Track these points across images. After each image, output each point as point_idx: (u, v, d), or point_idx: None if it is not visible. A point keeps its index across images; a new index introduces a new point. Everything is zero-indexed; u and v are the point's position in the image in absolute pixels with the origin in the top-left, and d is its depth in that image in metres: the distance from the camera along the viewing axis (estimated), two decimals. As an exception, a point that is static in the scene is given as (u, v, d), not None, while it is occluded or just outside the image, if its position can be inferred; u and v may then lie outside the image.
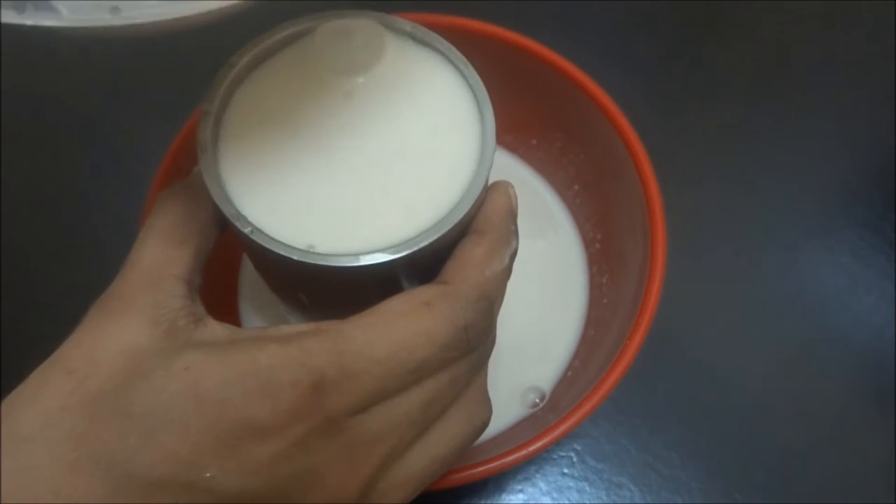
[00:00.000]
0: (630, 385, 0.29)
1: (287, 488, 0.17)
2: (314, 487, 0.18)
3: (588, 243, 0.38)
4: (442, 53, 0.23)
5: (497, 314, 0.21)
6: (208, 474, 0.16)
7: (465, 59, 0.23)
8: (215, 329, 0.19)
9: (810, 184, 0.43)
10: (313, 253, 0.20)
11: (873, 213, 0.43)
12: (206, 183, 0.20)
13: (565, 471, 0.37)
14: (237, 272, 0.37)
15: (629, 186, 0.33)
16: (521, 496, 0.36)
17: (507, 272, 0.22)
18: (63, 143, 0.44)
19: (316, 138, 0.21)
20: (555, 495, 0.36)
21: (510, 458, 0.28)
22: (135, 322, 0.18)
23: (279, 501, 0.17)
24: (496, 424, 0.33)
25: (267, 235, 0.20)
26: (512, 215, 0.22)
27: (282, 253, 0.20)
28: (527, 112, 0.38)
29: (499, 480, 0.36)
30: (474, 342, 0.20)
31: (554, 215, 0.39)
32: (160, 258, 0.20)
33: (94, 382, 0.17)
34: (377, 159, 0.21)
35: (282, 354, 0.17)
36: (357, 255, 0.20)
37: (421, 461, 0.19)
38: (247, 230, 0.20)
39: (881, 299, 0.40)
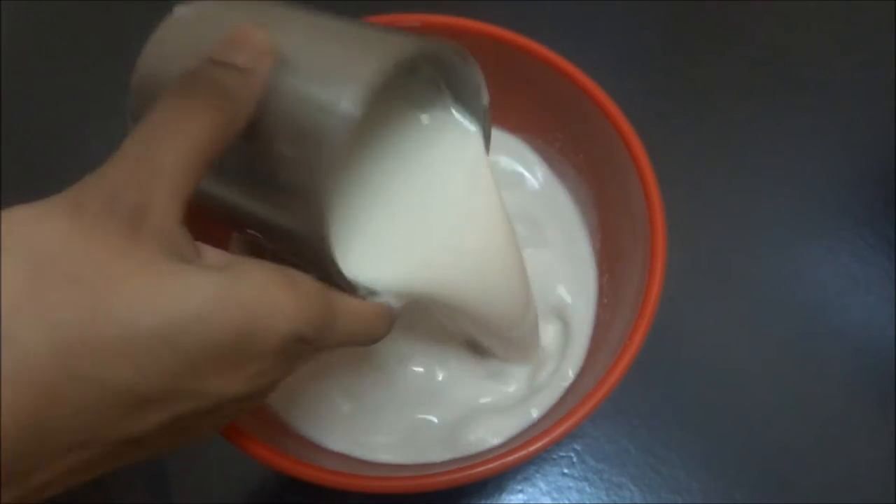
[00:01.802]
0: (630, 385, 0.29)
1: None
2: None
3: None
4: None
5: None
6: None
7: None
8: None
9: (810, 184, 0.43)
10: None
11: (873, 213, 0.43)
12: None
13: (565, 471, 0.37)
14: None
15: (629, 186, 0.33)
16: (521, 496, 0.36)
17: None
18: (63, 142, 0.44)
19: None
20: (555, 495, 0.36)
21: (510, 458, 0.28)
22: (145, 249, 0.18)
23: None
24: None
25: None
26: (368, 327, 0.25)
27: None
28: (526, 112, 0.38)
29: (499, 480, 0.36)
30: None
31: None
32: (182, 177, 0.19)
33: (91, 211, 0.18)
34: None
35: (297, 305, 0.20)
36: None
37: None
38: None
39: (881, 299, 0.40)
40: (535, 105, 0.37)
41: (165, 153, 0.18)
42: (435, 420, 0.33)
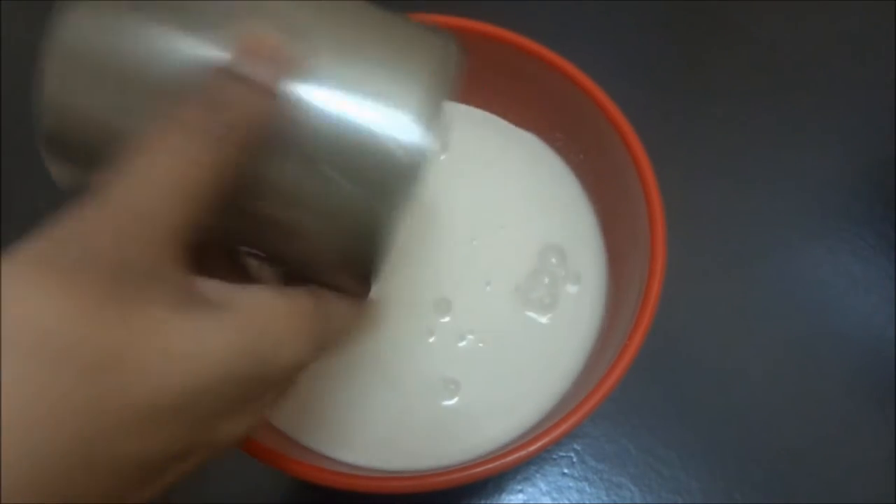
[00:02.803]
0: (630, 385, 0.29)
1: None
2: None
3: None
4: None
5: None
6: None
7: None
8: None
9: (810, 184, 0.43)
10: None
11: (873, 213, 0.43)
12: None
13: (565, 471, 0.37)
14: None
15: (629, 186, 0.33)
16: (521, 496, 0.36)
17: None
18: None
19: None
20: (555, 495, 0.36)
21: (510, 458, 0.28)
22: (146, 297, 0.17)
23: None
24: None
25: None
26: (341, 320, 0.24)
27: None
28: (527, 111, 0.38)
29: (499, 480, 0.36)
30: None
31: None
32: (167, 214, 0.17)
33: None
34: None
35: (301, 320, 0.20)
36: None
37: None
38: None
39: (881, 299, 0.40)
40: (535, 105, 0.37)
41: (149, 198, 0.16)
42: (436, 419, 0.33)
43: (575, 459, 0.37)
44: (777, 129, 0.45)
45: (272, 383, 0.19)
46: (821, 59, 0.47)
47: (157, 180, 0.16)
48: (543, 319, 0.35)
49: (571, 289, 0.35)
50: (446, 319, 0.34)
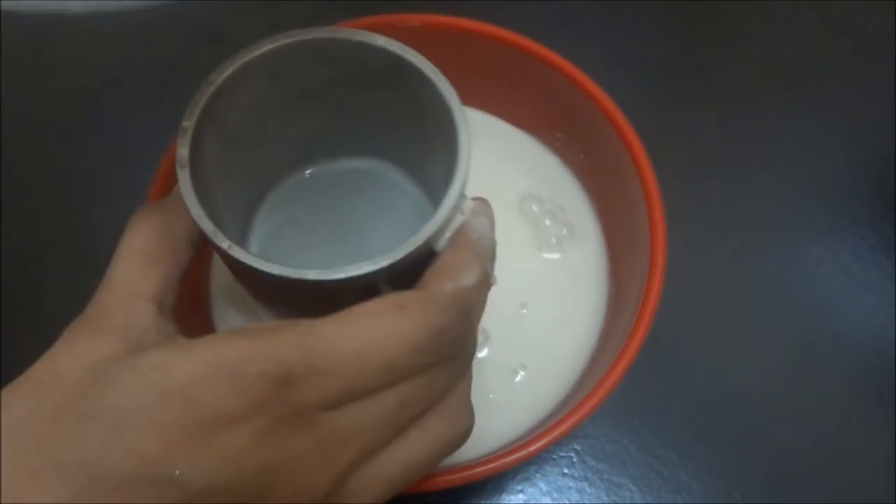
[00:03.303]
0: (630, 385, 0.29)
1: (256, 482, 0.17)
2: (283, 482, 0.17)
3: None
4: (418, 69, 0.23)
5: (476, 324, 0.22)
6: (177, 471, 0.16)
7: (438, 71, 0.23)
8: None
9: (810, 184, 0.43)
10: (288, 268, 0.20)
11: (873, 213, 0.43)
12: (185, 199, 0.21)
13: (565, 471, 0.37)
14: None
15: (629, 186, 0.33)
16: (521, 496, 0.36)
17: (485, 285, 0.22)
18: (63, 143, 0.44)
19: None
20: (555, 495, 0.36)
21: (510, 459, 0.28)
22: (104, 340, 0.19)
23: (248, 495, 0.17)
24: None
25: (244, 251, 0.20)
26: (488, 232, 0.23)
27: (259, 267, 0.20)
28: (526, 112, 0.38)
29: (499, 480, 0.36)
30: (449, 348, 0.20)
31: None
32: (132, 279, 0.20)
33: (58, 391, 0.17)
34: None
35: (249, 348, 0.17)
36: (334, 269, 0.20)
37: (394, 464, 0.19)
38: (224, 245, 0.20)
39: (881, 299, 0.40)
40: (535, 105, 0.37)
41: (113, 267, 0.21)
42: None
43: (575, 459, 0.37)
44: (777, 128, 0.45)
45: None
46: (821, 59, 0.47)
47: (130, 263, 0.21)
48: (544, 324, 0.35)
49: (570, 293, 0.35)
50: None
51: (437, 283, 0.21)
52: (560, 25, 0.47)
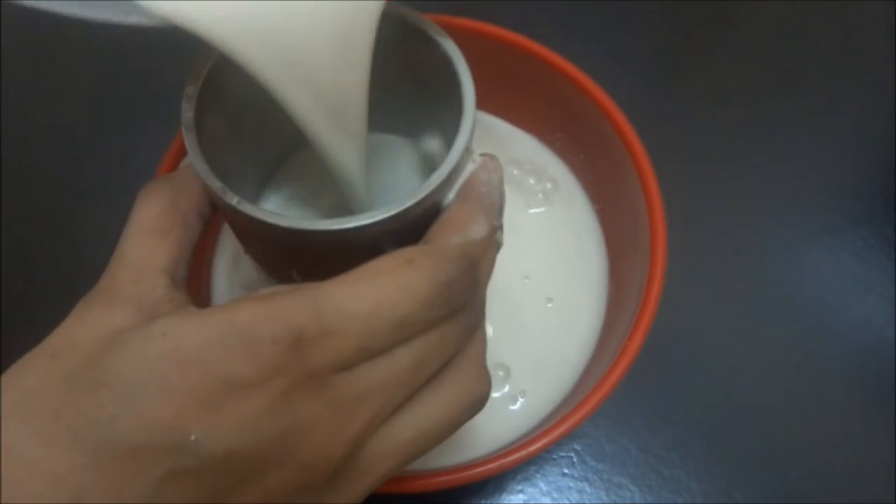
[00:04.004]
0: (630, 385, 0.29)
1: (272, 446, 0.17)
2: (300, 445, 0.17)
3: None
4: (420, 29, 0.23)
5: (484, 280, 0.21)
6: (193, 437, 0.16)
7: (441, 30, 0.23)
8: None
9: (810, 184, 0.43)
10: (299, 219, 0.20)
11: (873, 213, 0.43)
12: (192, 159, 0.21)
13: (565, 471, 0.37)
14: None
15: (629, 186, 0.33)
16: (521, 496, 0.36)
17: (492, 240, 0.22)
18: (64, 141, 0.44)
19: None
20: (555, 495, 0.36)
21: (510, 459, 0.28)
22: (118, 311, 0.19)
23: (265, 461, 0.17)
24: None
25: (254, 206, 0.20)
26: (496, 186, 0.22)
27: (269, 221, 0.20)
28: (526, 112, 0.38)
29: (499, 480, 0.36)
30: (458, 300, 0.19)
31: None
32: (143, 251, 0.20)
33: (72, 360, 0.17)
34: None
35: (260, 312, 0.17)
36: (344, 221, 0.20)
37: (410, 429, 0.19)
38: (233, 202, 0.20)
39: (881, 299, 0.40)
40: (536, 105, 0.37)
41: (123, 240, 0.21)
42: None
43: (575, 459, 0.37)
44: (777, 129, 0.45)
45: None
46: (821, 59, 0.47)
47: (141, 236, 0.21)
48: (545, 324, 0.35)
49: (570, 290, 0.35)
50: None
51: (442, 236, 0.21)
52: (560, 25, 0.47)
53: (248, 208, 0.20)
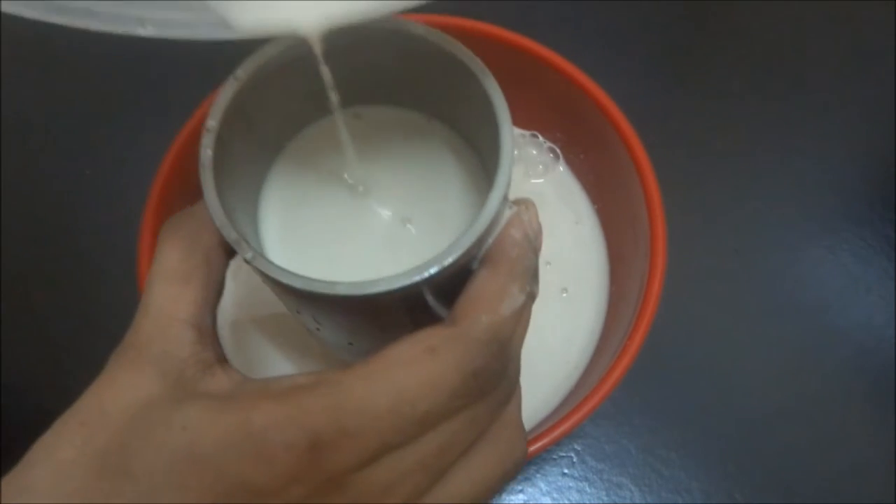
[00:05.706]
0: (630, 385, 0.29)
1: None
2: None
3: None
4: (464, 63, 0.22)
5: (518, 349, 0.20)
6: None
7: (485, 69, 0.22)
8: (220, 380, 0.19)
9: (810, 184, 0.43)
10: (316, 281, 0.19)
11: (873, 213, 0.43)
12: (207, 204, 0.19)
13: (565, 471, 0.37)
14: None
15: (629, 186, 0.33)
16: (521, 496, 0.36)
17: (525, 310, 0.20)
18: (64, 143, 0.44)
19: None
20: (555, 495, 0.36)
21: (510, 459, 0.27)
22: (146, 374, 0.19)
23: None
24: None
25: (269, 262, 0.19)
26: (531, 244, 0.20)
27: (284, 281, 0.19)
28: (527, 112, 0.38)
29: (499, 480, 0.36)
30: (486, 387, 0.18)
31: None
32: (166, 302, 0.20)
33: (102, 437, 0.18)
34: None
35: (276, 414, 0.17)
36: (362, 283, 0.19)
37: None
38: (248, 256, 0.19)
39: (881, 299, 0.40)
40: (536, 105, 0.37)
41: (148, 288, 0.20)
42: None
43: (575, 459, 0.37)
44: (777, 129, 0.45)
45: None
46: (821, 59, 0.47)
47: (163, 284, 0.20)
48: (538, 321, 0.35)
49: (570, 291, 0.35)
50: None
51: (471, 314, 0.19)
52: (560, 25, 0.47)
53: (261, 264, 0.19)
